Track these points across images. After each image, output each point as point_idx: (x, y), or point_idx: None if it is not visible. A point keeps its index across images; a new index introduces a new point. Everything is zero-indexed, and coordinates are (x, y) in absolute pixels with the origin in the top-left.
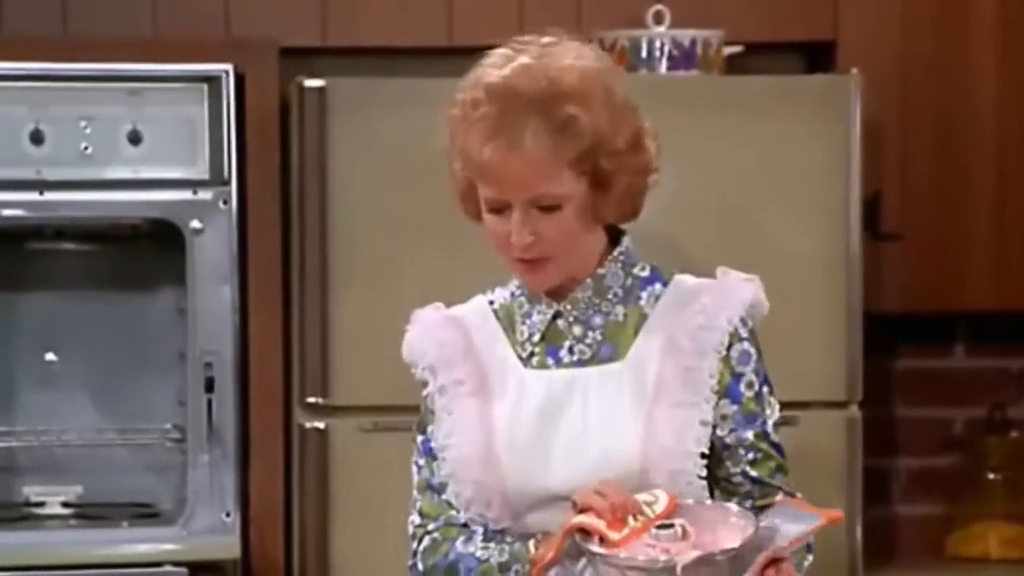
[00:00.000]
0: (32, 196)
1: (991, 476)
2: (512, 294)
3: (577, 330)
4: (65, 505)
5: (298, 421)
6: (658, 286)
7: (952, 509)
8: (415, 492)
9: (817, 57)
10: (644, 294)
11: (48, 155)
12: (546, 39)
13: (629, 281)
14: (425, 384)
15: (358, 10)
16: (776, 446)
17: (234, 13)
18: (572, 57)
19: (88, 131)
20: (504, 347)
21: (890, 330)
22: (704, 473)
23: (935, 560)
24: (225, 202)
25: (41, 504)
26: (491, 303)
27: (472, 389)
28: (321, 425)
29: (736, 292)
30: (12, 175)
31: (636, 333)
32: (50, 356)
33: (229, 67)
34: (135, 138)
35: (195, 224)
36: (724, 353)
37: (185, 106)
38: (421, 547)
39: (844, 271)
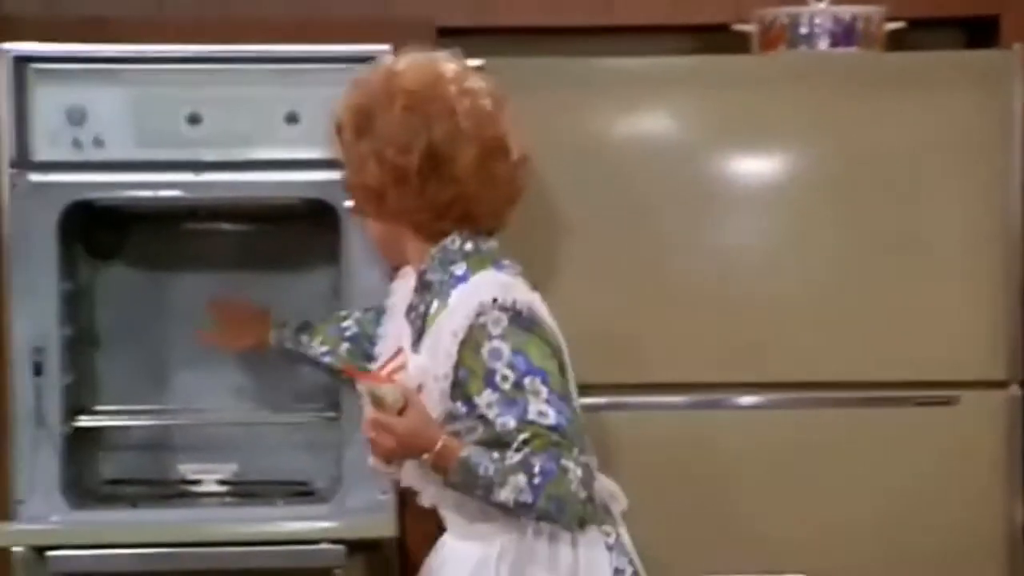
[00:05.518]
0: (189, 177)
1: None
2: None
3: None
4: (221, 483)
5: None
6: None
7: None
8: None
9: (979, 33)
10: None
11: (205, 136)
12: None
13: None
14: None
15: None
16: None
17: None
18: None
19: (245, 112)
20: None
21: None
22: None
23: None
24: None
25: (197, 482)
26: None
27: None
28: None
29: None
30: (170, 156)
31: None
32: None
33: (387, 47)
34: (292, 118)
35: (350, 204)
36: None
37: (342, 87)
38: None
39: (1003, 245)
